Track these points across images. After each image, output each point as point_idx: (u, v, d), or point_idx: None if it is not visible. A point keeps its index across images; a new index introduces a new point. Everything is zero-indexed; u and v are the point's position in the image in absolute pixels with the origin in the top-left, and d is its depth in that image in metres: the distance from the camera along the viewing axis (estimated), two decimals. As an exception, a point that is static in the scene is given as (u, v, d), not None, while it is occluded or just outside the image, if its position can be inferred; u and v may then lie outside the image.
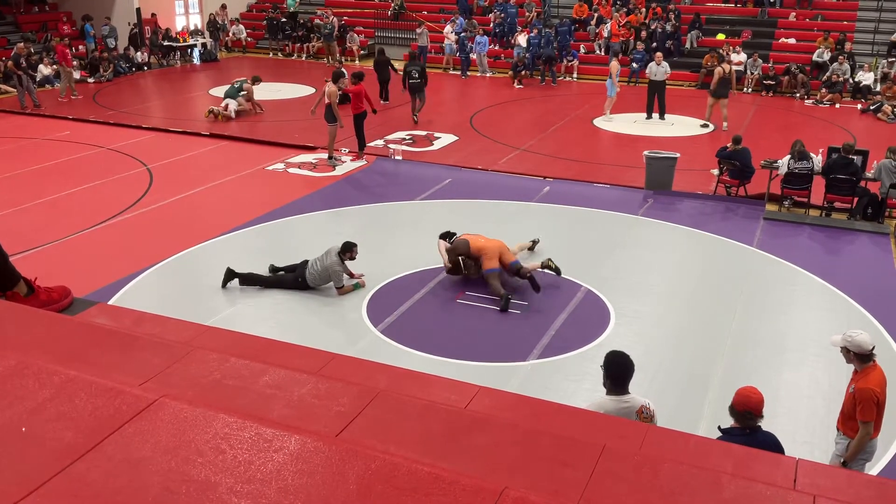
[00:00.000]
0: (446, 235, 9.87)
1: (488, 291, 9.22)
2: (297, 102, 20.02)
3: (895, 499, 2.43)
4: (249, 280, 9.31)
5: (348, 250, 9.17)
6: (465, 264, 9.54)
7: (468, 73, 24.14)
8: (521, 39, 23.32)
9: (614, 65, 18.37)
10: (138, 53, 24.40)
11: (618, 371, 4.81)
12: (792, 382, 7.57)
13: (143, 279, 9.57)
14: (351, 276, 9.41)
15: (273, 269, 9.50)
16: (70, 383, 2.30)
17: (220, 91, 19.90)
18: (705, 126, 17.55)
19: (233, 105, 17.99)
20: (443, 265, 9.67)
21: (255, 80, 18.62)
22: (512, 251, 9.68)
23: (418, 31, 24.48)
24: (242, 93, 18.25)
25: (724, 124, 17.13)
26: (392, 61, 20.54)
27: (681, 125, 17.83)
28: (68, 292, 3.71)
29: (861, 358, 5.46)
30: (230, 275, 9.27)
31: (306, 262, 9.31)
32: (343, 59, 25.25)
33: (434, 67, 24.88)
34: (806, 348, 8.19)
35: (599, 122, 18.12)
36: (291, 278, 9.29)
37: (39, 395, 2.25)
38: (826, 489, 2.38)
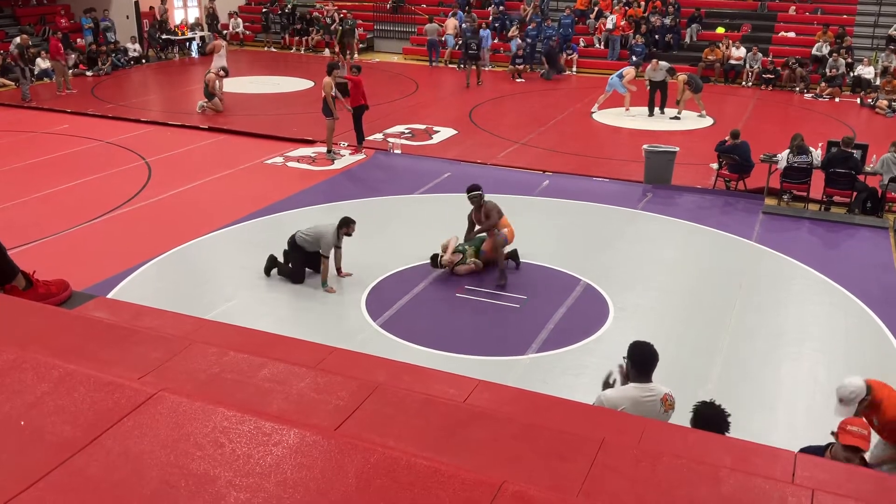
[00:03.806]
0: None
1: (485, 284, 9.23)
2: (295, 96, 19.98)
3: (893, 492, 2.43)
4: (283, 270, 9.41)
5: (345, 226, 9.13)
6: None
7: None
8: (513, 43, 23.20)
9: (630, 70, 18.40)
10: (133, 46, 24.29)
11: (643, 359, 4.81)
12: (790, 376, 7.59)
13: (142, 273, 9.57)
14: (339, 271, 9.40)
15: (272, 261, 9.46)
16: (69, 377, 2.30)
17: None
18: (676, 119, 17.81)
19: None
20: (445, 259, 9.56)
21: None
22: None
23: (464, 19, 24.90)
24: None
25: (702, 111, 17.91)
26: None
27: (683, 119, 17.82)
28: (67, 285, 3.71)
29: (867, 391, 5.13)
30: (272, 262, 9.35)
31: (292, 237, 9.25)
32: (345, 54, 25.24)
33: (435, 61, 24.93)
34: (804, 342, 8.20)
35: (612, 118, 18.11)
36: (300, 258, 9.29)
37: (38, 388, 2.25)
38: (825, 483, 2.39)
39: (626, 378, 4.87)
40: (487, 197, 9.76)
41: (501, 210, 9.65)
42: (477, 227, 9.83)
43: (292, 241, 9.22)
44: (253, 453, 2.02)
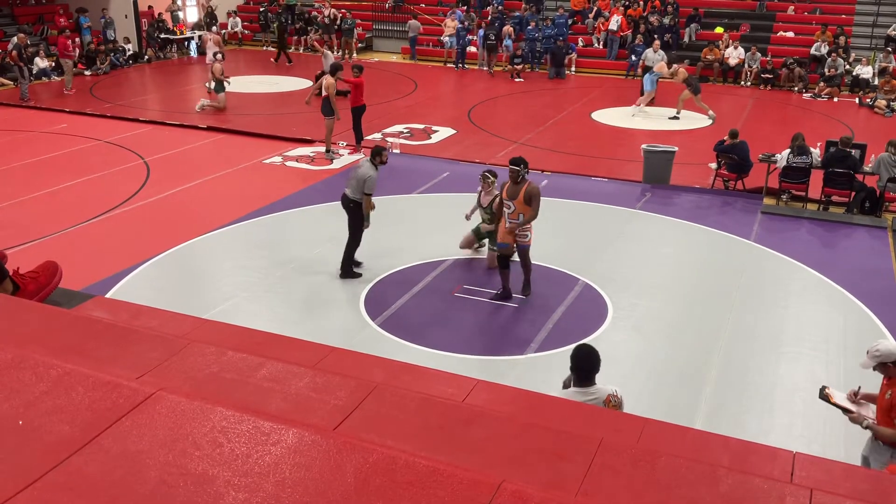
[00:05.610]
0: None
1: (484, 284, 9.23)
2: (294, 95, 19.96)
3: (890, 492, 2.43)
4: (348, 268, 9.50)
5: (378, 154, 9.34)
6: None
7: (467, 65, 24.10)
8: (507, 42, 23.23)
9: (663, 65, 18.43)
10: (128, 45, 24.26)
11: (583, 364, 4.83)
12: (788, 376, 7.59)
13: (141, 272, 9.56)
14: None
15: None
16: (67, 377, 2.29)
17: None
18: (675, 118, 17.75)
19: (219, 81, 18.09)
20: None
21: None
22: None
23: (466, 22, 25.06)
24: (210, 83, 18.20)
25: (710, 112, 17.67)
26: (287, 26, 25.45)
27: (681, 119, 17.82)
28: (55, 269, 3.60)
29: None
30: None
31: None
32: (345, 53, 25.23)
33: (435, 61, 24.93)
34: (803, 342, 8.20)
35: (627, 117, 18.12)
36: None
37: (36, 388, 2.25)
38: (823, 482, 2.39)
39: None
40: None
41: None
42: (505, 200, 8.72)
43: (346, 198, 9.36)
44: (251, 453, 2.02)
